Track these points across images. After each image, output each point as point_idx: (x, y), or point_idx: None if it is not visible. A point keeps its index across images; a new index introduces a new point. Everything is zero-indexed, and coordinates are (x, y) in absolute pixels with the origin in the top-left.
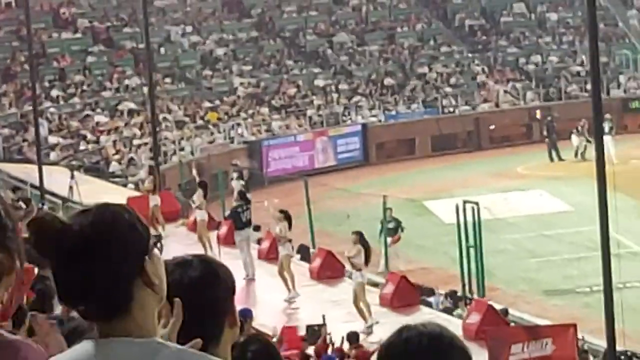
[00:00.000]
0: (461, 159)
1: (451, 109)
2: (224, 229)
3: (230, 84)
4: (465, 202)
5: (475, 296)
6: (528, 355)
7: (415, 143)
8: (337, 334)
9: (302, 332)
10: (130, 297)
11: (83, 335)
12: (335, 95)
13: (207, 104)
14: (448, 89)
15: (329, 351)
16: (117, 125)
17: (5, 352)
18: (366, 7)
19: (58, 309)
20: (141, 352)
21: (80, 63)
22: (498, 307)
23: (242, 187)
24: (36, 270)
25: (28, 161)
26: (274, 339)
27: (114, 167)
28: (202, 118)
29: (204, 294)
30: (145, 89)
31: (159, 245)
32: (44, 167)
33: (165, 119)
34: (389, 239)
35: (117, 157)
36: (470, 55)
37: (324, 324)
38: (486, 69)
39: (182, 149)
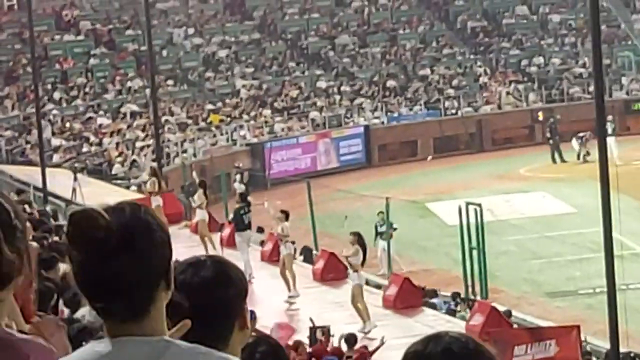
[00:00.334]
0: (463, 161)
1: (453, 111)
2: (226, 231)
3: (233, 86)
4: (467, 203)
5: (478, 298)
6: (531, 356)
7: (418, 145)
8: (339, 335)
9: (305, 334)
10: (153, 299)
11: (92, 335)
12: (337, 97)
13: (210, 106)
14: (450, 91)
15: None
16: (120, 128)
17: (6, 353)
18: (368, 9)
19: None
20: (151, 350)
21: (82, 65)
22: (501, 308)
23: (245, 189)
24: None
25: (31, 163)
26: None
27: (116, 169)
28: (204, 120)
29: (214, 294)
30: (148, 91)
31: None
32: (47, 170)
33: (167, 121)
34: (383, 242)
35: (119, 159)
36: (472, 57)
37: (317, 327)
38: (488, 71)
39: (184, 151)
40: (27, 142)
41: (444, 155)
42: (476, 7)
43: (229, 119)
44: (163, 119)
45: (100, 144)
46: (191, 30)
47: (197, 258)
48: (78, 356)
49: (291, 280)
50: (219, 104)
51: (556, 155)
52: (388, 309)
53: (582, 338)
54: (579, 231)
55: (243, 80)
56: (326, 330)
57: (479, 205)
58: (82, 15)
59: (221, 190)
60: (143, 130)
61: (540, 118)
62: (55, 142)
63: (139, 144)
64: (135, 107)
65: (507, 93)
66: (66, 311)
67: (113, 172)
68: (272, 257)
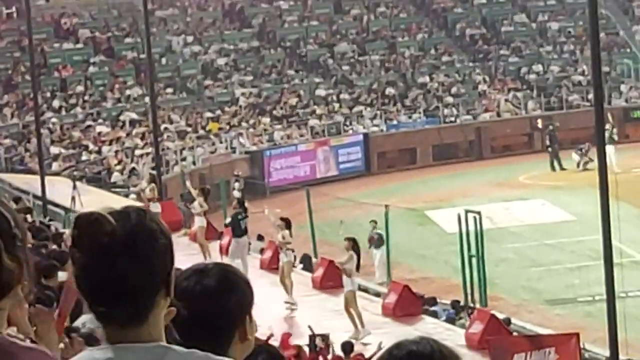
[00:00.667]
0: (463, 169)
1: (452, 119)
2: (226, 239)
3: (232, 93)
4: (467, 211)
5: (478, 305)
6: None
7: (417, 152)
8: (339, 343)
9: (304, 341)
10: (153, 305)
11: (98, 342)
12: (336, 105)
13: (209, 114)
14: (449, 99)
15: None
16: (119, 136)
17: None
18: (367, 17)
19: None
20: (150, 356)
21: (81, 73)
22: (500, 316)
23: (240, 195)
24: None
25: (30, 172)
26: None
27: (115, 177)
28: (203, 128)
29: (216, 303)
30: (147, 99)
31: None
32: (46, 178)
33: (166, 129)
34: (376, 251)
35: (119, 167)
36: (471, 64)
37: (316, 335)
38: (487, 79)
39: (183, 159)
40: (26, 151)
41: (443, 162)
42: (475, 15)
43: (228, 126)
44: (162, 127)
45: (99, 152)
46: (190, 38)
47: (204, 265)
48: None
49: (289, 287)
50: (218, 112)
51: (555, 163)
52: (387, 317)
53: (582, 346)
54: (578, 239)
55: (242, 88)
56: (326, 338)
57: (478, 213)
58: (81, 24)
59: (220, 199)
60: (142, 139)
61: (540, 126)
62: (55, 150)
63: (138, 152)
64: (134, 115)
65: (506, 100)
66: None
67: (112, 180)
68: (271, 265)
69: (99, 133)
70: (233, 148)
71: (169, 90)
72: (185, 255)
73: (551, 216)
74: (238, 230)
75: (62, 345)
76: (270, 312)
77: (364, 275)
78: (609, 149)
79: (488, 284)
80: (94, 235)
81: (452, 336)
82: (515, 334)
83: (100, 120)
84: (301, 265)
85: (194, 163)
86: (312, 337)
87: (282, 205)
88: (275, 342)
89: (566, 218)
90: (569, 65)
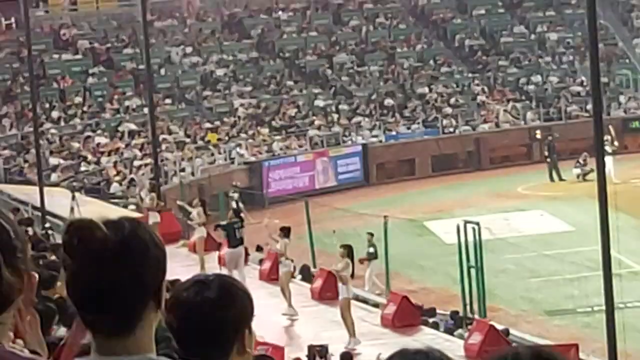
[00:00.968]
0: (462, 179)
1: (451, 129)
2: (225, 250)
3: (231, 104)
4: (466, 222)
5: (477, 316)
6: None
7: (416, 163)
8: (338, 355)
9: (303, 352)
10: (141, 317)
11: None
12: (335, 116)
13: (208, 125)
14: (448, 109)
15: None
16: (118, 146)
17: None
18: (366, 28)
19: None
20: None
21: (80, 84)
22: (499, 327)
23: (236, 205)
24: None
25: (29, 182)
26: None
27: (114, 188)
28: (202, 139)
29: (215, 315)
30: (146, 110)
31: None
32: (45, 189)
33: (165, 140)
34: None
35: (118, 178)
36: (470, 75)
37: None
38: (486, 89)
39: (182, 170)
40: (25, 161)
41: (442, 173)
42: (474, 26)
43: (227, 137)
44: (161, 137)
45: (98, 162)
46: (189, 49)
47: (205, 276)
48: None
49: (288, 297)
50: (217, 123)
51: (554, 174)
52: (386, 328)
53: (581, 356)
54: (577, 249)
55: (241, 99)
56: (324, 350)
57: (477, 223)
58: (80, 34)
59: (219, 209)
60: (141, 149)
61: (538, 136)
62: (53, 161)
63: (137, 163)
64: (133, 126)
65: (505, 111)
66: (63, 329)
67: (111, 191)
68: (270, 276)
69: (98, 144)
70: (232, 159)
71: (168, 101)
72: (184, 266)
73: (550, 227)
74: (233, 240)
75: None
76: (270, 323)
77: (362, 287)
78: (608, 159)
79: (487, 295)
80: (85, 241)
81: (451, 347)
82: (514, 344)
83: (99, 131)
84: (300, 276)
85: (192, 174)
86: (312, 349)
87: (281, 215)
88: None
89: (565, 229)
90: (568, 76)
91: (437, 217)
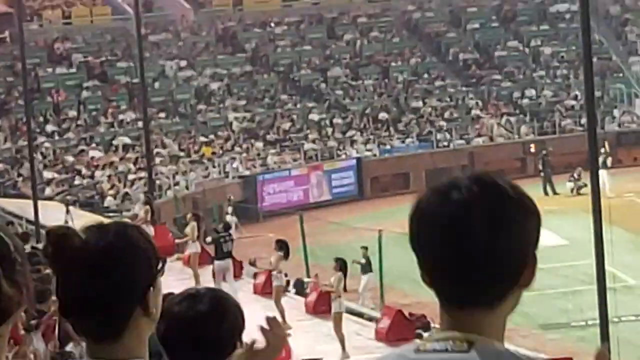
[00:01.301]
0: None
1: (445, 143)
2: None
3: (225, 118)
4: None
5: None
6: None
7: (410, 177)
8: None
9: None
10: (127, 323)
11: None
12: (329, 130)
13: (202, 139)
14: (442, 123)
15: None
16: (112, 160)
17: None
18: (360, 42)
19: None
20: None
21: (74, 98)
22: None
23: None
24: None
25: (23, 196)
26: None
27: (109, 202)
28: (196, 152)
29: (207, 329)
30: (140, 124)
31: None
32: (39, 202)
33: (159, 153)
34: (364, 276)
35: (112, 192)
36: (464, 89)
37: None
38: (480, 103)
39: (176, 184)
40: (19, 175)
41: None
42: (468, 40)
43: (221, 151)
44: (155, 151)
45: (92, 176)
46: (183, 63)
47: (196, 290)
48: None
49: (282, 311)
50: (211, 137)
51: (548, 188)
52: (380, 342)
53: None
54: (571, 263)
55: (235, 113)
56: None
57: None
58: (74, 48)
59: (213, 223)
60: (135, 163)
61: (532, 150)
62: (48, 174)
63: (131, 177)
64: (127, 140)
65: (499, 125)
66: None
67: (105, 205)
68: (265, 290)
69: (92, 157)
70: (226, 172)
71: (162, 114)
72: (178, 280)
73: (544, 240)
74: (220, 253)
75: None
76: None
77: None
78: (602, 173)
79: None
80: (62, 249)
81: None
82: None
83: (93, 145)
84: (294, 290)
85: (187, 188)
86: None
87: (275, 229)
88: None
89: (559, 242)
90: (562, 90)
91: None
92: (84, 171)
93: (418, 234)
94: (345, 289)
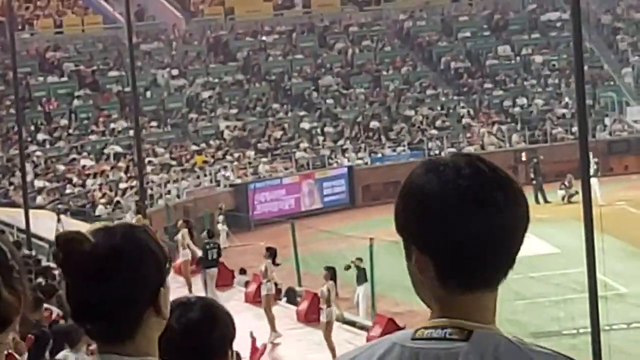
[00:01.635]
0: None
1: (437, 151)
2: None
3: (216, 127)
4: None
5: None
6: None
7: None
8: None
9: None
10: (139, 324)
11: None
12: (321, 138)
13: (193, 147)
14: (434, 132)
15: None
16: (103, 169)
17: None
18: (351, 51)
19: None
20: None
21: (66, 107)
22: None
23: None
24: None
25: (14, 205)
26: None
27: (100, 210)
28: (188, 161)
29: (198, 337)
30: (131, 133)
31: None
32: (30, 211)
33: (151, 162)
34: (358, 287)
35: (103, 200)
36: (455, 97)
37: None
38: (472, 112)
39: (168, 192)
40: (11, 184)
41: None
42: (459, 49)
43: (212, 159)
44: (147, 160)
45: (83, 185)
46: (175, 72)
47: (188, 298)
48: None
49: (272, 320)
50: (203, 145)
51: (539, 196)
52: None
53: None
54: (563, 272)
55: (227, 122)
56: None
57: None
58: (65, 57)
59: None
60: (126, 172)
61: (524, 158)
62: (39, 183)
63: (122, 186)
64: (118, 149)
65: (490, 133)
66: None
67: (97, 214)
68: (255, 298)
69: (84, 166)
70: (217, 181)
71: (154, 123)
72: (171, 288)
73: (535, 249)
74: (204, 261)
75: None
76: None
77: (352, 309)
78: (593, 181)
79: None
80: (71, 254)
81: None
82: None
83: (84, 154)
84: (285, 298)
85: (178, 196)
86: None
87: (267, 238)
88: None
89: (550, 251)
90: (553, 99)
91: None
92: (75, 180)
93: (424, 214)
94: (337, 295)
